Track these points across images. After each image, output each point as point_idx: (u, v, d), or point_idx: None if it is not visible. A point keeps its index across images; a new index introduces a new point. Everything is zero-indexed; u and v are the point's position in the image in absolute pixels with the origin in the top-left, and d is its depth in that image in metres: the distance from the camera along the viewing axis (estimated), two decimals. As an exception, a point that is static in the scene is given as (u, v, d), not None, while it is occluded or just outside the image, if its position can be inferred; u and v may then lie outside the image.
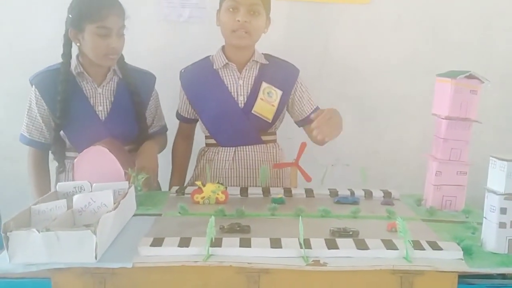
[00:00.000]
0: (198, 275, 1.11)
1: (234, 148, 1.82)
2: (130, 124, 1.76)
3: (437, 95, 1.55)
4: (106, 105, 1.73)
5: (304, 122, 1.88)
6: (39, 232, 1.06)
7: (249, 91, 1.80)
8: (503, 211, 1.17)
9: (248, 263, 1.09)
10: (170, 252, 1.12)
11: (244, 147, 1.82)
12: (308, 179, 1.77)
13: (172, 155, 1.97)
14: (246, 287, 1.11)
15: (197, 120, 1.92)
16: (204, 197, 1.52)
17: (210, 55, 1.87)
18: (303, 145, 1.75)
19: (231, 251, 1.12)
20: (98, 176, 1.43)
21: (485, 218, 1.22)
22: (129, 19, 1.69)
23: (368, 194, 1.62)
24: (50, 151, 1.76)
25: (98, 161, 1.48)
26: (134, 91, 1.76)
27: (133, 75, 1.78)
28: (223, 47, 1.85)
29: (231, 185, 1.78)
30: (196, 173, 1.90)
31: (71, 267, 1.09)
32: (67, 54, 1.68)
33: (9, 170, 2.19)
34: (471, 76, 1.46)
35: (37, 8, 2.18)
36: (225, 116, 1.79)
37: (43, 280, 1.12)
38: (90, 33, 1.60)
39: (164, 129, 1.94)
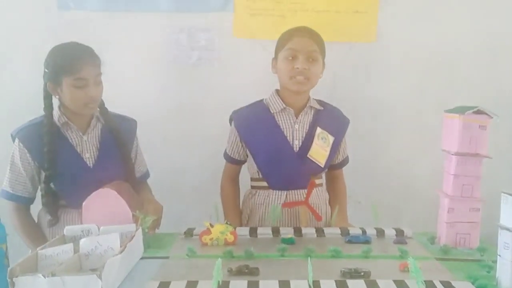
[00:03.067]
0: (205, 319, 1.09)
1: (285, 191, 1.83)
2: (118, 167, 1.77)
3: (445, 131, 1.55)
4: (93, 152, 1.75)
5: (330, 167, 1.93)
6: (45, 278, 1.06)
7: (304, 136, 1.83)
8: (517, 248, 1.14)
9: (257, 307, 1.07)
10: (177, 297, 1.10)
11: (296, 190, 1.83)
12: (318, 218, 1.76)
13: (222, 198, 1.96)
14: (254, 332, 1.09)
15: (245, 162, 1.94)
16: (212, 238, 1.51)
17: (263, 99, 1.90)
18: (312, 183, 1.75)
19: (239, 295, 1.10)
20: (106, 218, 1.43)
21: (499, 255, 1.18)
22: (104, 65, 1.71)
23: (380, 233, 1.59)
24: (42, 205, 1.75)
25: (107, 203, 1.48)
26: (117, 137, 1.78)
27: (115, 121, 1.81)
28: (277, 92, 1.89)
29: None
30: (247, 217, 1.90)
31: (77, 313, 1.07)
32: (48, 107, 1.71)
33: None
34: (479, 112, 1.46)
35: (12, 65, 2.24)
36: (280, 160, 1.81)
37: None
38: (68, 86, 1.63)
39: (146, 176, 1.94)
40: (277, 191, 1.83)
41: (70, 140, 1.72)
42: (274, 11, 2.21)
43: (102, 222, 1.39)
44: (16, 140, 1.71)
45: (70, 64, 1.61)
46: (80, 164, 1.71)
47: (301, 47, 1.76)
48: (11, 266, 1.10)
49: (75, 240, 1.33)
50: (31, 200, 1.76)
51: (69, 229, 1.37)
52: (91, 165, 1.73)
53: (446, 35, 2.26)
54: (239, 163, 1.95)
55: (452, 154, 1.48)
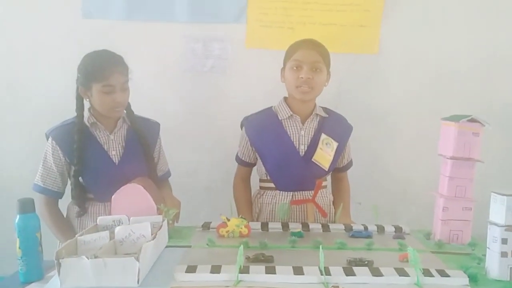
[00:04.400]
0: (228, 298, 1.23)
1: (291, 192, 1.95)
2: (141, 165, 1.89)
3: (442, 137, 1.69)
4: (119, 150, 1.88)
5: (335, 170, 2.06)
6: (88, 259, 1.19)
7: (309, 141, 1.95)
8: (504, 241, 1.29)
9: (274, 288, 1.21)
10: (203, 278, 1.24)
11: (301, 192, 1.95)
12: (324, 215, 1.90)
13: (235, 197, 2.09)
14: (272, 310, 1.23)
15: (255, 164, 2.06)
16: (228, 231, 1.65)
17: (272, 106, 2.03)
18: (319, 183, 1.89)
19: (258, 277, 1.24)
20: (133, 210, 1.56)
21: (488, 248, 1.33)
22: (132, 73, 1.84)
23: (381, 229, 1.74)
24: (71, 198, 1.87)
25: (134, 197, 1.62)
26: (142, 137, 1.91)
27: (140, 123, 1.94)
28: (285, 99, 2.01)
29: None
30: (256, 215, 2.02)
31: (116, 291, 1.21)
32: (79, 108, 1.84)
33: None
34: (473, 120, 1.60)
35: (38, 70, 2.39)
36: (287, 163, 1.93)
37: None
38: (97, 91, 1.77)
39: (168, 175, 2.07)
40: (284, 192, 1.96)
41: (98, 139, 1.85)
42: (284, 24, 2.36)
43: (129, 214, 1.53)
44: (50, 139, 1.84)
45: (99, 72, 1.74)
46: (106, 160, 1.84)
47: (306, 58, 1.88)
48: (57, 249, 1.24)
49: (106, 229, 1.46)
50: (60, 195, 1.89)
51: (101, 219, 1.51)
52: (117, 162, 1.86)
53: (443, 49, 2.41)
54: (249, 165, 2.08)
55: (448, 158, 1.63)
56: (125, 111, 1.90)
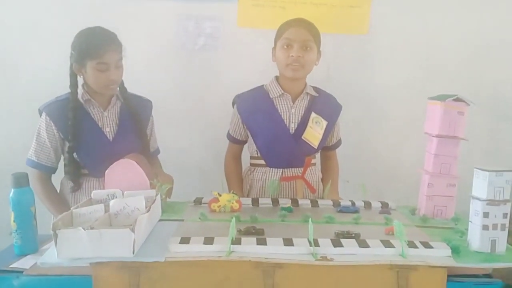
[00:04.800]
0: (221, 268, 1.27)
1: (281, 169, 2.00)
2: (134, 141, 1.93)
3: (428, 116, 1.73)
4: (113, 127, 1.90)
5: (325, 148, 2.11)
6: (85, 230, 1.22)
7: (299, 119, 1.99)
8: (485, 215, 1.34)
9: (265, 258, 1.26)
10: (197, 249, 1.28)
11: (291, 169, 2.00)
12: (313, 191, 1.95)
13: (226, 174, 2.13)
14: (262, 280, 1.28)
15: (246, 142, 2.10)
16: (220, 205, 1.68)
17: (263, 84, 2.05)
18: (308, 161, 1.93)
19: (250, 248, 1.29)
20: (126, 185, 1.60)
21: (471, 221, 1.39)
22: (126, 50, 1.85)
23: (368, 205, 1.79)
24: (65, 173, 1.90)
25: (127, 173, 1.65)
26: (135, 114, 1.94)
27: (133, 100, 1.96)
28: (277, 78, 2.04)
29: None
30: (246, 190, 2.07)
31: (111, 261, 1.25)
32: (73, 85, 1.85)
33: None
34: (458, 99, 1.65)
35: (33, 47, 2.38)
36: (277, 140, 1.98)
37: (84, 277, 1.30)
38: (91, 68, 1.78)
39: (157, 152, 2.11)
40: (274, 169, 2.00)
41: (92, 116, 1.87)
42: (275, 3, 2.38)
43: (123, 189, 1.56)
44: (43, 114, 1.85)
45: (94, 49, 1.75)
46: (100, 137, 1.87)
47: (296, 37, 1.90)
48: (54, 221, 1.27)
49: (100, 202, 1.49)
50: (54, 170, 1.91)
51: (96, 193, 1.54)
52: (111, 138, 1.88)
53: (432, 31, 2.44)
54: (241, 143, 2.12)
55: (434, 136, 1.68)
56: (118, 88, 1.91)
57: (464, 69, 2.47)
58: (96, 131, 1.87)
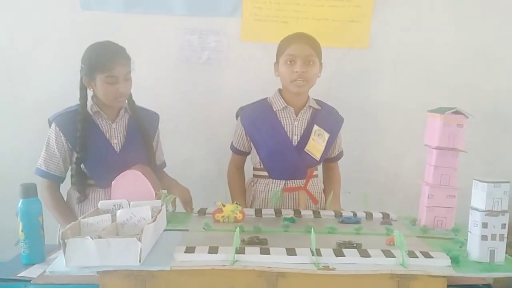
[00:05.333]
0: (225, 277, 1.30)
1: (284, 181, 2.02)
2: (141, 154, 1.96)
3: (428, 128, 1.76)
4: (120, 138, 1.94)
5: (326, 160, 2.13)
6: (93, 239, 1.25)
7: (302, 132, 2.02)
8: (484, 225, 1.37)
9: (268, 267, 1.28)
10: (202, 258, 1.31)
11: (293, 180, 2.02)
12: (315, 202, 1.98)
13: (229, 184, 2.15)
14: (266, 288, 1.30)
15: (249, 153, 2.12)
16: (224, 216, 1.71)
17: (267, 97, 2.08)
18: (310, 172, 1.96)
19: (253, 258, 1.31)
20: (132, 196, 1.62)
21: (470, 232, 1.41)
22: (134, 64, 1.89)
23: (369, 216, 1.82)
24: (71, 184, 1.93)
25: (133, 183, 1.69)
26: (142, 127, 1.97)
27: (141, 113, 2.00)
28: (280, 91, 2.06)
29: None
30: (249, 201, 2.09)
31: (118, 269, 1.27)
32: (83, 97, 1.89)
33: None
34: (457, 112, 1.68)
35: (38, 61, 2.44)
36: (280, 153, 2.00)
37: (91, 286, 1.33)
38: (100, 81, 1.82)
39: (163, 165, 2.14)
40: (277, 180, 2.03)
41: (101, 127, 1.91)
42: (278, 18, 2.43)
43: (129, 199, 1.59)
44: (53, 125, 1.89)
45: (103, 63, 1.79)
46: (108, 148, 1.90)
47: (299, 53, 1.93)
48: (62, 230, 1.30)
49: (107, 213, 1.52)
50: (62, 179, 1.94)
51: (102, 203, 1.58)
52: (118, 150, 1.92)
53: (431, 43, 2.48)
54: (244, 154, 2.14)
55: (433, 148, 1.71)
56: (126, 101, 1.95)
57: (463, 81, 2.50)
58: (104, 142, 1.90)
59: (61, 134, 1.87)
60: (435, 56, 2.50)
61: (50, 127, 1.91)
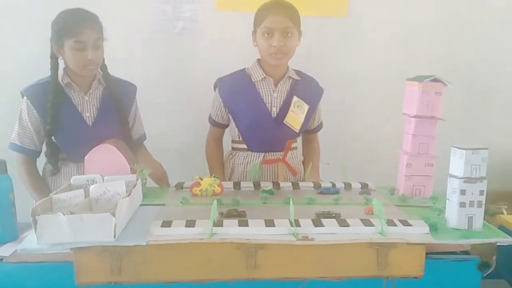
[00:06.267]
0: (203, 251, 1.27)
1: (263, 153, 1.99)
2: (115, 128, 1.90)
3: (407, 97, 1.75)
4: (93, 112, 1.88)
5: (306, 132, 2.11)
6: (64, 215, 1.21)
7: (281, 104, 1.98)
8: (462, 192, 1.37)
9: (247, 239, 1.26)
10: (179, 232, 1.28)
11: (272, 153, 2.00)
12: (294, 173, 1.97)
13: (207, 157, 2.12)
14: (245, 260, 1.28)
15: (227, 125, 2.08)
16: (202, 189, 1.68)
17: (245, 68, 2.03)
18: (289, 143, 1.94)
19: (232, 230, 1.29)
20: (107, 170, 1.58)
21: (448, 199, 1.41)
22: (106, 31, 1.84)
23: (348, 186, 1.81)
24: (45, 156, 1.88)
25: (107, 158, 1.64)
26: (117, 99, 1.91)
27: (116, 84, 1.94)
28: (259, 61, 2.01)
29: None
30: (227, 173, 2.06)
31: (92, 245, 1.24)
32: (54, 67, 1.83)
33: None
34: (435, 80, 1.66)
35: (22, 28, 2.34)
36: (259, 125, 1.97)
37: (65, 263, 1.29)
38: (69, 47, 1.76)
39: (143, 138, 2.09)
40: (255, 153, 2.00)
41: (73, 100, 1.85)
42: (255, -15, 2.36)
43: (103, 174, 1.55)
44: (25, 97, 1.83)
45: (71, 28, 1.73)
46: (80, 122, 1.85)
47: (277, 25, 1.87)
48: (32, 207, 1.26)
49: (80, 188, 1.48)
50: (37, 153, 1.89)
51: (75, 179, 1.53)
52: (90, 123, 1.86)
53: (410, 12, 2.47)
54: (222, 126, 2.11)
55: (412, 117, 1.69)
56: (101, 72, 1.88)
57: (442, 50, 2.50)
58: (76, 116, 1.84)
59: (32, 107, 1.82)
60: (414, 24, 2.48)
61: (22, 99, 1.85)
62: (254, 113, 1.98)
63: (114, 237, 1.24)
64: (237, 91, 2.00)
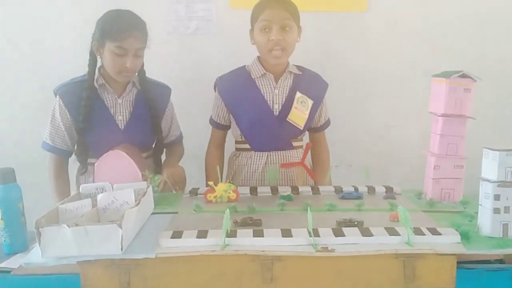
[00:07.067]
0: (215, 263, 1.19)
1: (266, 153, 1.92)
2: (147, 133, 1.87)
3: (433, 94, 1.65)
4: (126, 115, 1.84)
5: (313, 129, 2.01)
6: (69, 227, 1.15)
7: (284, 100, 1.90)
8: (496, 197, 1.26)
9: (262, 251, 1.18)
10: (189, 243, 1.21)
11: (276, 152, 1.92)
12: (313, 177, 1.87)
13: (206, 164, 2.05)
14: (260, 274, 1.20)
15: (229, 127, 2.01)
16: (216, 196, 1.61)
17: (245, 65, 1.96)
18: (308, 146, 1.85)
19: (246, 241, 1.21)
20: (117, 178, 1.52)
21: (481, 205, 1.31)
22: (150, 41, 1.79)
23: (371, 190, 1.71)
24: (74, 154, 1.86)
25: (117, 164, 1.58)
26: (151, 103, 1.86)
27: (151, 88, 1.89)
28: (259, 58, 1.94)
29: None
30: (230, 177, 1.99)
31: (99, 259, 1.17)
32: (91, 64, 1.80)
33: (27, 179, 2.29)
34: (464, 75, 1.56)
35: (55, 25, 2.31)
36: (261, 123, 1.89)
37: (73, 276, 1.22)
38: (109, 50, 1.71)
39: (180, 138, 2.05)
40: (259, 153, 1.92)
41: (106, 102, 1.82)
42: (269, -18, 2.27)
43: (113, 182, 1.49)
44: (57, 97, 1.80)
45: (115, 32, 1.69)
46: (112, 125, 1.81)
47: (274, 18, 1.80)
48: (37, 219, 1.20)
49: (90, 197, 1.42)
50: (69, 153, 1.86)
51: (84, 187, 1.47)
52: (122, 127, 1.83)
53: (433, 5, 2.35)
54: (224, 128, 2.02)
55: (439, 116, 1.59)
56: (137, 75, 1.85)
57: (468, 44, 2.37)
58: (108, 118, 1.81)
59: (64, 107, 1.79)
60: (437, 18, 2.36)
61: (55, 98, 1.83)
62: (256, 111, 1.90)
63: (122, 249, 1.17)
64: (236, 89, 1.93)
